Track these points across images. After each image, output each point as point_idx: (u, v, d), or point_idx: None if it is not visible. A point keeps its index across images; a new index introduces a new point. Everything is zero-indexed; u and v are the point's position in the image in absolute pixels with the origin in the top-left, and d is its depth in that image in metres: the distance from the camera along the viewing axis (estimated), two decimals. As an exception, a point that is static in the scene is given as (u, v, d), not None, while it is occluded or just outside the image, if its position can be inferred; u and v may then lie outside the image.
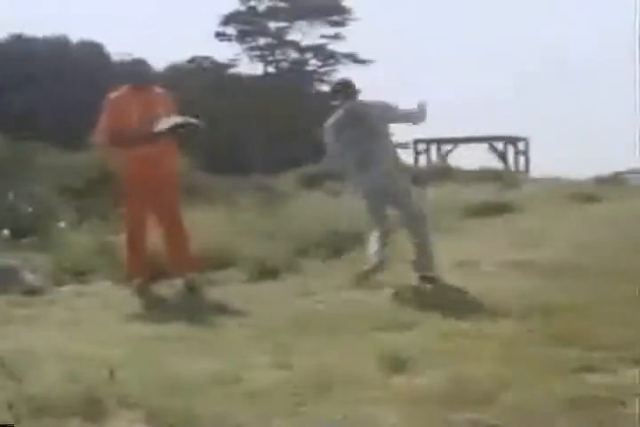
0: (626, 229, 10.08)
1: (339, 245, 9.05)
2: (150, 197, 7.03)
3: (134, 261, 7.07)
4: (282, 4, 53.17)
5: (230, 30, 53.10)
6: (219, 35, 52.83)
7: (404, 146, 49.82)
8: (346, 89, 7.37)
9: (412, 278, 6.97)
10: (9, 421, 3.25)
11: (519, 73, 74.53)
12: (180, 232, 7.11)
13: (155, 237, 7.25)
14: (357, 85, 7.35)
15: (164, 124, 6.82)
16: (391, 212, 7.48)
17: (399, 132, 57.60)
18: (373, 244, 7.35)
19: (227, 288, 7.00)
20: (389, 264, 7.36)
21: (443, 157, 37.29)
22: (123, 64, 47.26)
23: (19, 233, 8.36)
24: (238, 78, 51.23)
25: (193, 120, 6.97)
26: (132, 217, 7.11)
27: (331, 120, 7.30)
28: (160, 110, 6.97)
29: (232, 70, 52.60)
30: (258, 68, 53.55)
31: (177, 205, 7.17)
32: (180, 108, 7.22)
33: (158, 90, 7.21)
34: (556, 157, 42.12)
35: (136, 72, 7.21)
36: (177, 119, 6.90)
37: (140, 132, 6.91)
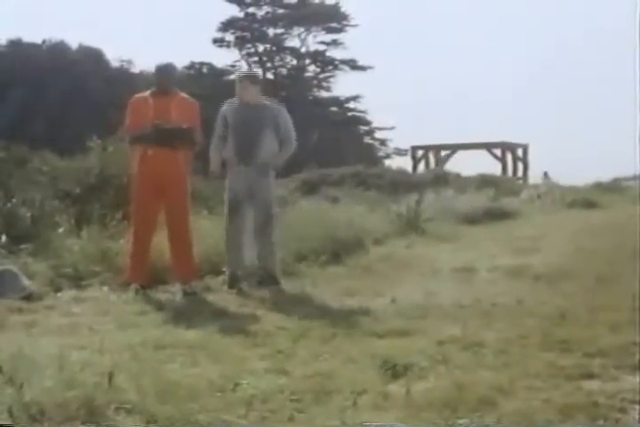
0: (623, 236, 10.09)
1: (337, 250, 9.06)
2: (158, 198, 7.09)
3: (136, 263, 7.10)
4: (280, 11, 53.26)
5: (229, 36, 53.20)
6: (217, 41, 52.90)
7: (401, 152, 50.11)
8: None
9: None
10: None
11: (519, 75, 74.61)
12: (183, 236, 7.15)
13: (157, 243, 7.28)
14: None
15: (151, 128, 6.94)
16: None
17: (397, 138, 57.53)
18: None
19: (224, 294, 7.00)
20: None
21: (440, 163, 37.31)
22: (121, 70, 47.34)
23: (17, 239, 8.34)
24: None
25: (177, 128, 7.02)
26: (139, 218, 7.17)
27: None
28: (177, 115, 7.05)
29: (231, 77, 52.67)
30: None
31: (184, 208, 7.21)
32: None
33: (181, 95, 7.28)
34: (556, 163, 42.07)
35: (157, 77, 7.35)
36: (166, 126, 6.98)
37: (136, 134, 7.12)
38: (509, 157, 37.20)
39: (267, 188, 7.57)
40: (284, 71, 54.41)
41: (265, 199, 7.53)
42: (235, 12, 52.94)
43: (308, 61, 54.61)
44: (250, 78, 7.83)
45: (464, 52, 75.92)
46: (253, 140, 7.48)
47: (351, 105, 53.60)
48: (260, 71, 52.99)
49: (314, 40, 53.86)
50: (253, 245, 7.62)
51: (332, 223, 9.80)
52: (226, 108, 7.63)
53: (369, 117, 53.64)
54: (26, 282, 6.87)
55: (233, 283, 7.33)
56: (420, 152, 38.51)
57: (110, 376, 3.66)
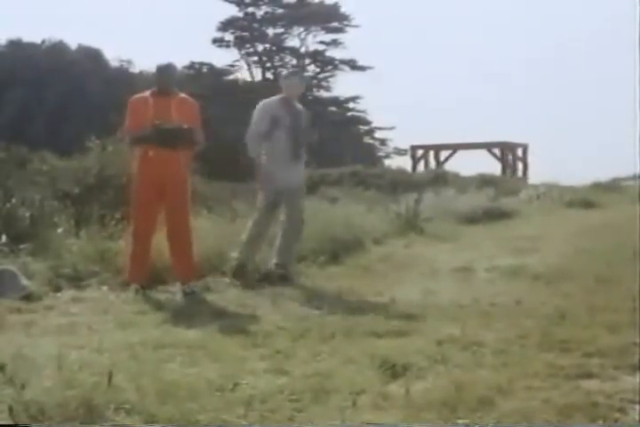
0: (622, 236, 10.09)
1: (336, 250, 9.06)
2: (158, 198, 7.10)
3: (136, 263, 7.10)
4: (280, 11, 53.24)
5: (228, 36, 53.19)
6: (216, 41, 52.88)
7: (401, 152, 50.09)
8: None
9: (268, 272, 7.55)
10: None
11: (518, 76, 74.66)
12: (183, 236, 7.14)
13: (157, 243, 7.28)
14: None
15: (151, 128, 6.95)
16: None
17: (397, 138, 57.35)
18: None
19: (224, 294, 7.00)
20: None
21: (440, 163, 37.34)
22: (120, 70, 47.34)
23: (16, 238, 8.33)
24: (236, 84, 51.29)
25: (177, 128, 7.02)
26: (139, 218, 7.17)
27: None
28: (177, 116, 7.06)
29: (231, 76, 52.68)
30: (257, 74, 53.66)
31: (184, 208, 7.21)
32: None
33: (181, 96, 7.28)
34: (555, 163, 42.11)
35: (157, 77, 7.36)
36: (167, 125, 6.98)
37: (137, 134, 7.12)
38: (509, 157, 37.20)
39: (303, 185, 7.85)
40: (283, 71, 54.36)
41: (302, 197, 7.82)
42: (234, 11, 53.00)
43: (307, 61, 54.60)
44: (300, 76, 8.14)
45: (464, 53, 76.01)
46: (302, 137, 7.69)
47: (351, 105, 53.66)
48: (259, 71, 53.11)
49: (313, 40, 53.94)
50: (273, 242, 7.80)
51: (331, 223, 9.79)
52: (270, 104, 7.71)
53: (369, 117, 53.73)
54: (25, 282, 6.86)
55: (238, 273, 7.44)
56: (419, 152, 38.51)
57: (109, 376, 3.66)
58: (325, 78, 54.37)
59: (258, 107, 7.73)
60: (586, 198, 20.09)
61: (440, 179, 25.33)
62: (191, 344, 4.85)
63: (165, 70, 7.32)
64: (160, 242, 7.27)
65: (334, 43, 53.28)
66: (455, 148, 37.75)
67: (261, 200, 7.72)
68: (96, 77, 44.91)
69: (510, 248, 9.92)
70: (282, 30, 53.79)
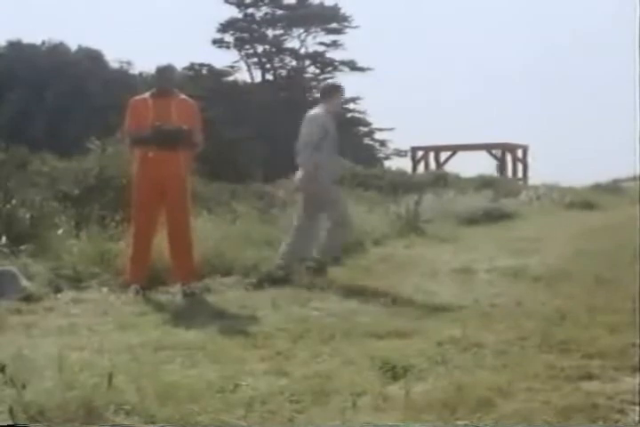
0: (622, 237, 10.09)
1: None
2: (158, 199, 7.10)
3: (136, 264, 7.10)
4: (279, 12, 53.22)
5: (228, 37, 53.16)
6: (216, 42, 52.86)
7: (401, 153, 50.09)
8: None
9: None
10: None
11: (518, 77, 74.74)
12: (184, 237, 7.15)
13: (157, 243, 7.29)
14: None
15: (151, 129, 6.95)
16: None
17: (397, 139, 57.21)
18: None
19: (224, 295, 6.99)
20: None
21: (440, 164, 37.33)
22: (120, 71, 47.27)
23: (16, 240, 8.33)
24: (236, 85, 51.28)
25: (177, 129, 7.02)
26: (140, 219, 7.18)
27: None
28: (177, 117, 7.07)
29: (230, 78, 52.65)
30: (256, 76, 53.67)
31: (184, 209, 7.22)
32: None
33: (180, 97, 7.28)
34: (556, 164, 42.12)
35: (157, 78, 7.39)
36: (167, 127, 6.99)
37: (137, 136, 7.15)
38: (509, 158, 37.17)
39: None
40: (283, 72, 54.39)
41: None
42: (234, 12, 52.98)
43: (307, 62, 54.58)
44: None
45: (464, 54, 76.05)
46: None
47: (351, 106, 53.61)
48: (259, 72, 53.12)
49: (313, 41, 53.91)
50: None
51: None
52: (321, 116, 7.89)
53: (368, 118, 53.69)
54: (25, 283, 6.86)
55: (320, 272, 7.71)
56: (419, 153, 38.50)
57: (110, 377, 3.66)
58: (325, 80, 54.32)
59: (308, 118, 7.91)
60: (586, 200, 20.11)
61: (440, 180, 25.31)
62: (191, 345, 4.85)
63: (165, 71, 7.33)
64: (160, 243, 7.27)
65: (334, 44, 53.28)
66: (455, 149, 37.74)
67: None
68: (96, 78, 44.87)
69: (510, 249, 9.92)
70: (281, 31, 53.78)
